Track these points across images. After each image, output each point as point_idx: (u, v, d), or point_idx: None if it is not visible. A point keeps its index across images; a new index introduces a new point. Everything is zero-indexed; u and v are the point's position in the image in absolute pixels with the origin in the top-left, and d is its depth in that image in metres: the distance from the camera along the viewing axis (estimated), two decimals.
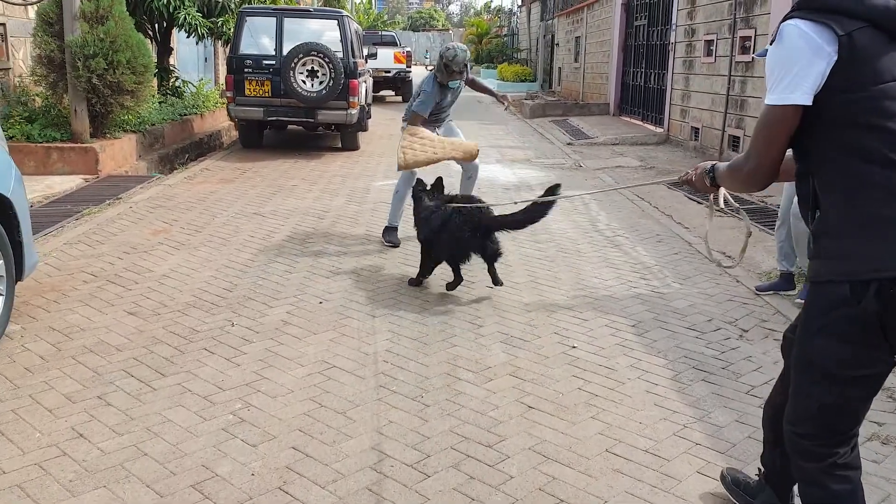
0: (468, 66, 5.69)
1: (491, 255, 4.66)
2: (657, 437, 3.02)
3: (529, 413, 3.20)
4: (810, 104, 1.83)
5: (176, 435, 2.94)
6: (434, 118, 5.74)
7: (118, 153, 9.06)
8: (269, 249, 5.64)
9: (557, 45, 23.95)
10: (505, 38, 37.52)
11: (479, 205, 4.69)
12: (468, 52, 5.65)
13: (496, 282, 4.74)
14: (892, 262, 1.78)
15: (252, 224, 6.44)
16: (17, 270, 3.93)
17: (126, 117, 9.55)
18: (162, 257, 5.37)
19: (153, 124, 10.25)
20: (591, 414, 3.20)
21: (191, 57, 16.64)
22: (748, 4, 9.63)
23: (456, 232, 4.53)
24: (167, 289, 4.68)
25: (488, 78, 29.22)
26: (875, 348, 1.86)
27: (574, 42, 21.10)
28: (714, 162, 2.31)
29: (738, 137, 9.68)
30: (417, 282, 4.84)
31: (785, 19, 1.89)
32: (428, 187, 4.96)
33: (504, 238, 4.83)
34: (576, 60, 20.84)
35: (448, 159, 5.59)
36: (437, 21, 74.92)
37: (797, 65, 1.82)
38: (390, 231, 5.95)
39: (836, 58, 1.80)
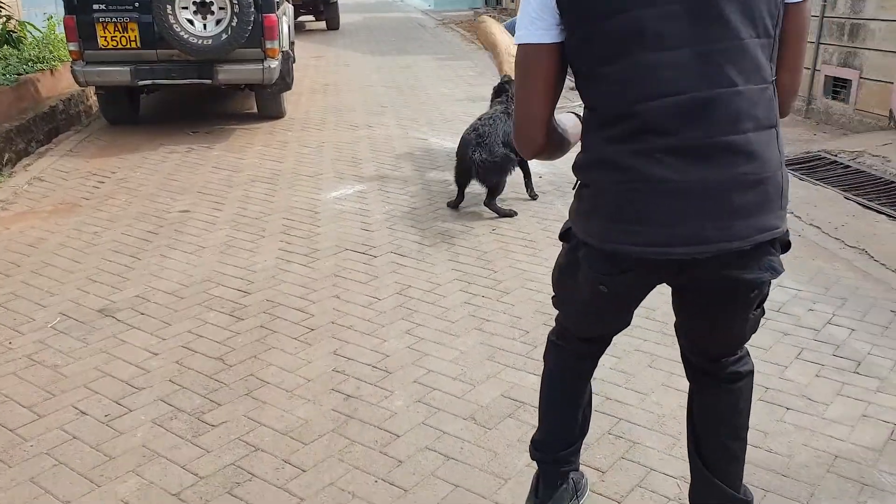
0: None
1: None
2: None
3: None
4: (543, 42, 1.61)
5: None
6: None
7: None
8: (106, 479, 2.36)
9: None
10: None
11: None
12: None
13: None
14: (583, 228, 1.73)
15: (90, 355, 3.05)
16: None
17: None
18: None
19: None
20: None
21: None
22: None
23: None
24: None
25: None
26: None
27: None
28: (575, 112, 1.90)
29: (848, 81, 6.65)
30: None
31: None
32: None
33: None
34: None
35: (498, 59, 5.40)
36: None
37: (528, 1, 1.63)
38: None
39: None
